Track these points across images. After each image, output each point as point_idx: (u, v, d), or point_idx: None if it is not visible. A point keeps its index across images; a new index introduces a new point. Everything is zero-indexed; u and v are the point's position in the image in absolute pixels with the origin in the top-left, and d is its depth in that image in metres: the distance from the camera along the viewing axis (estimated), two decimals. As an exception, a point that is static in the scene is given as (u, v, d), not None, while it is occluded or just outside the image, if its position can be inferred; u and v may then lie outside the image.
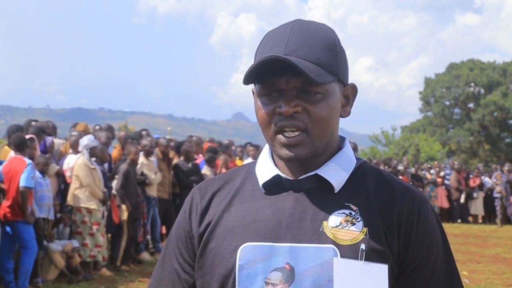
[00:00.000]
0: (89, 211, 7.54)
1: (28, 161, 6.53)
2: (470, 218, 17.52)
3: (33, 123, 8.01)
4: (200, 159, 10.60)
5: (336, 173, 1.28)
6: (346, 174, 1.29)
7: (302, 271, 1.20)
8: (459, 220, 17.02)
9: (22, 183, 6.42)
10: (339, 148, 1.33)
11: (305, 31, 1.25)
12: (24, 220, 6.50)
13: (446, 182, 17.31)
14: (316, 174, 1.27)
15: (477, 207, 17.36)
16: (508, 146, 37.41)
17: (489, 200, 17.13)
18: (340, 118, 1.32)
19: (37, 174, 6.79)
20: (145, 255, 8.90)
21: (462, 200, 17.14)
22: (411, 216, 1.25)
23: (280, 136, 1.24)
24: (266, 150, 1.36)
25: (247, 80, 1.24)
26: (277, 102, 1.23)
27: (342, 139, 1.35)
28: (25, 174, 6.43)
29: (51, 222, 7.23)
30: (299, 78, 1.21)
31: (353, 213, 1.24)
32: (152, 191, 8.95)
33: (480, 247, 11.82)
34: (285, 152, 1.24)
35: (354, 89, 1.33)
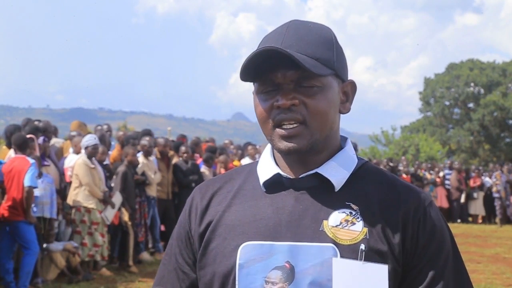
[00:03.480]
0: (88, 210, 7.54)
1: (31, 160, 6.49)
2: (470, 218, 17.52)
3: (36, 122, 7.99)
4: (198, 159, 10.60)
5: (337, 172, 1.27)
6: (347, 173, 1.28)
7: (302, 270, 1.19)
8: (459, 220, 17.02)
9: (27, 182, 6.36)
10: (340, 147, 1.33)
11: (301, 28, 1.26)
12: (25, 220, 6.45)
13: (446, 182, 17.32)
14: (316, 172, 1.27)
15: (477, 207, 17.36)
16: (508, 146, 37.44)
17: (489, 200, 17.14)
18: (341, 116, 1.32)
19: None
20: (145, 255, 8.89)
21: (462, 200, 17.15)
22: (417, 216, 1.25)
23: (278, 129, 1.24)
24: (267, 149, 1.36)
25: (243, 75, 1.24)
26: (274, 97, 1.24)
27: (344, 139, 1.35)
28: (30, 174, 6.38)
29: (47, 221, 7.21)
30: (295, 71, 1.21)
31: (354, 212, 1.23)
32: (152, 191, 8.94)
33: (480, 247, 11.82)
34: (283, 144, 1.24)
35: (353, 85, 1.33)
